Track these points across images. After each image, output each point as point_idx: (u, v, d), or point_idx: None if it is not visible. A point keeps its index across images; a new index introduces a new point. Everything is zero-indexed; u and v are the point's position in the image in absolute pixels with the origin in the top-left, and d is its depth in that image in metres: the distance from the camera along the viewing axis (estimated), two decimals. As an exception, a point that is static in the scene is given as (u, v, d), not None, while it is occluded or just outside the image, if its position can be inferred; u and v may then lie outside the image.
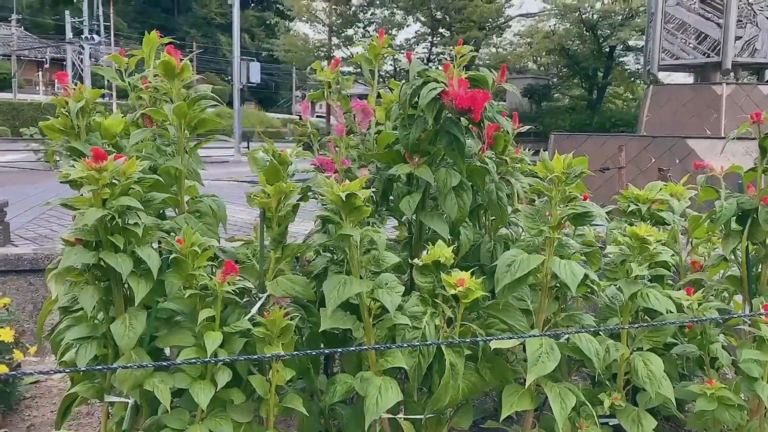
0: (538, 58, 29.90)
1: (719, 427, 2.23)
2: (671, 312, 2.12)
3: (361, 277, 1.86)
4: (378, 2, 23.49)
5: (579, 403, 2.11)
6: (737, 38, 12.04)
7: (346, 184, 1.68)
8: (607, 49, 24.36)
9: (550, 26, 25.56)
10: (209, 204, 1.94)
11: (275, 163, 1.85)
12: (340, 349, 1.71)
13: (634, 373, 2.10)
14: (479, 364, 2.02)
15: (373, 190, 2.32)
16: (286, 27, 26.81)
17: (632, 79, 25.42)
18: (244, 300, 1.98)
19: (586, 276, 1.93)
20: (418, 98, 2.12)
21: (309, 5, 23.57)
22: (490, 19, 24.25)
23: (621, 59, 26.27)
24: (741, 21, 12.04)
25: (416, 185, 2.28)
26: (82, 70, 40.31)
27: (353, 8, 22.88)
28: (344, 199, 1.64)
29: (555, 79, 28.42)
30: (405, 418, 1.98)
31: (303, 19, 24.57)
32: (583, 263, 2.26)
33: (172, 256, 1.71)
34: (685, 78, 14.51)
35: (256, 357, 1.61)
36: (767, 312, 2.07)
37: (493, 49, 29.68)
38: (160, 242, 1.85)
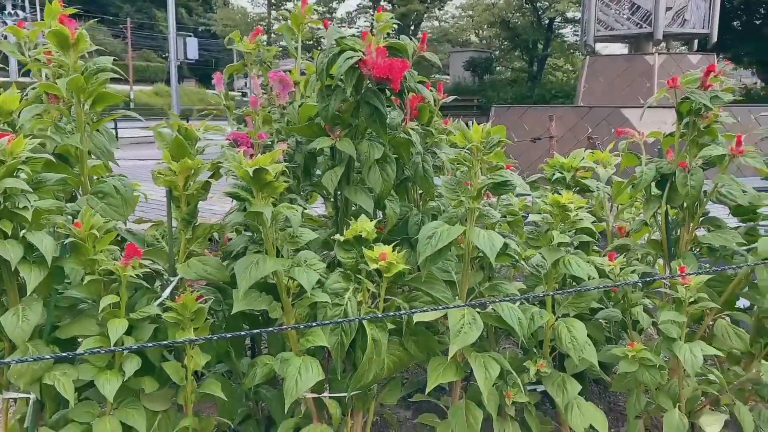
0: (480, 32, 30.03)
1: (641, 387, 2.29)
2: (593, 278, 2.14)
3: (281, 256, 1.80)
4: (317, -26, 23.03)
5: (506, 372, 2.12)
6: (668, 9, 12.34)
7: (256, 159, 1.60)
8: (546, 21, 24.63)
9: (491, -1, 25.66)
10: (113, 184, 1.83)
11: (180, 139, 1.75)
12: (256, 331, 1.65)
13: (558, 339, 2.11)
14: (404, 338, 1.99)
15: (295, 164, 2.26)
16: (223, 1, 25.98)
17: (571, 51, 25.82)
18: (159, 285, 1.89)
19: (506, 245, 1.91)
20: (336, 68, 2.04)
21: (246, -22, 22.90)
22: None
23: (560, 31, 26.64)
24: (671, -8, 12.33)
25: (340, 159, 2.22)
26: (7, 49, 38.22)
27: (291, -19, 22.34)
28: (252, 174, 1.56)
29: (497, 52, 28.63)
30: (330, 397, 1.94)
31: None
32: (507, 233, 2.26)
33: (68, 240, 1.60)
34: (622, 49, 14.81)
35: (164, 343, 1.53)
36: (683, 273, 2.11)
37: (436, 23, 29.64)
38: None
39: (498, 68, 28.44)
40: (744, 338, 2.27)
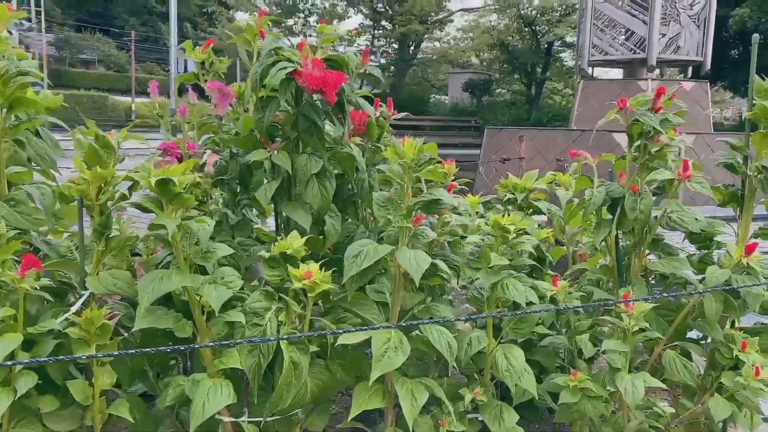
0: (480, 53, 30.18)
1: (586, 419, 2.20)
2: (533, 303, 2.06)
3: (196, 271, 1.72)
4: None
5: (442, 399, 2.04)
6: (662, 35, 12.37)
7: (162, 169, 1.54)
8: (546, 45, 24.75)
9: (490, 21, 25.80)
10: (28, 192, 1.76)
11: (94, 146, 1.68)
12: (161, 348, 1.57)
13: (494, 366, 2.03)
14: (330, 362, 1.90)
15: (230, 177, 2.19)
16: (227, 17, 26.09)
17: (569, 74, 25.90)
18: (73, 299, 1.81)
19: (435, 266, 1.84)
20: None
21: (248, -6, 23.09)
22: (432, 13, 24.24)
23: (559, 55, 26.76)
24: (665, 19, 12.37)
25: (278, 173, 2.15)
26: (11, 58, 38.38)
27: (292, -2, 22.53)
28: (155, 185, 1.49)
29: (497, 75, 28.73)
30: (249, 421, 1.85)
31: (242, 9, 24.05)
32: (447, 253, 2.19)
33: (-38, 250, 1.53)
34: (620, 74, 14.85)
35: (59, 359, 1.44)
36: (626, 300, 2.03)
37: (437, 44, 29.78)
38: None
39: (497, 90, 28.55)
40: (692, 370, 2.18)
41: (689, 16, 12.42)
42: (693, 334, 2.41)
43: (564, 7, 22.41)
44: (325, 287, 1.78)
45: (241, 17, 24.46)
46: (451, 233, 2.14)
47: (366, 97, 2.22)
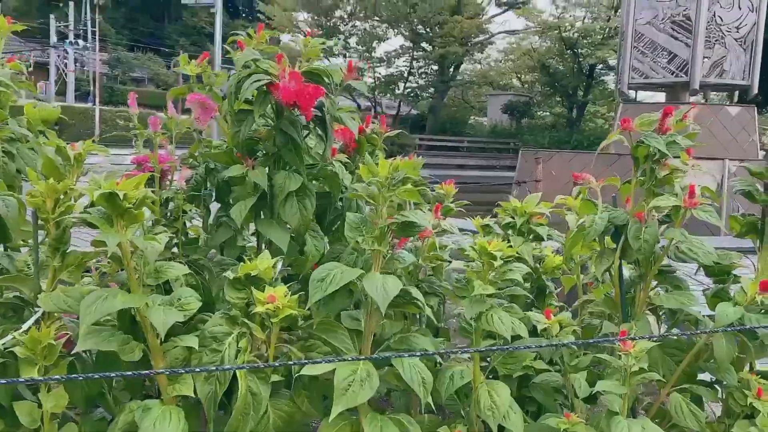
0: (521, 75, 29.97)
1: (580, 465, 2.01)
2: (521, 336, 1.90)
3: (151, 291, 1.64)
4: (360, 14, 23.41)
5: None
6: (705, 58, 11.99)
7: (119, 182, 1.46)
8: (587, 68, 24.40)
9: (532, 44, 25.62)
10: (-9, 203, 1.71)
11: (51, 159, 1.62)
12: (113, 374, 1.48)
13: (476, 404, 1.88)
14: (295, 392, 1.78)
15: (206, 192, 2.11)
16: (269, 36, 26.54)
17: (612, 98, 25.46)
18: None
19: (407, 293, 1.71)
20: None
21: (290, 16, 23.45)
22: (472, 35, 24.19)
23: (602, 78, 26.35)
24: (709, 41, 12.00)
25: (257, 189, 2.06)
26: (66, 75, 39.96)
27: (333, 20, 22.76)
28: (100, 199, 1.41)
29: (538, 97, 28.47)
30: (211, 452, 1.74)
31: (284, 30, 24.43)
32: (431, 280, 2.06)
33: None
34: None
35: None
36: (623, 338, 1.85)
37: (478, 66, 29.70)
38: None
39: (538, 112, 28.26)
40: (699, 417, 1.98)
41: (735, 39, 12.02)
42: (707, 376, 2.21)
43: (607, 29, 22.08)
44: (287, 312, 1.67)
45: (282, 39, 24.87)
46: (436, 258, 2.01)
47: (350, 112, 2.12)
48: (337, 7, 22.71)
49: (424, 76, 25.63)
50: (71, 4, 43.73)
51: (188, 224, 2.05)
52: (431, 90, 26.43)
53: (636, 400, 2.31)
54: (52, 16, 43.24)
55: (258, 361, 1.68)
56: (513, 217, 2.39)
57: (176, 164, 1.97)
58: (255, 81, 1.83)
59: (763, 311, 1.93)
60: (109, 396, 1.81)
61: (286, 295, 1.72)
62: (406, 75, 24.89)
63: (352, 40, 23.63)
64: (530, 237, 2.38)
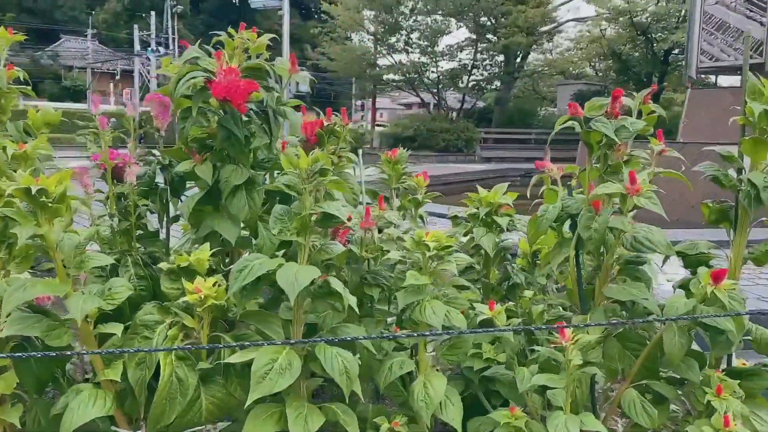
0: (594, 64, 28.96)
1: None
2: (454, 327, 1.88)
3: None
4: (423, 9, 23.33)
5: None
6: (781, 37, 11.20)
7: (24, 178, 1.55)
8: (662, 53, 23.27)
9: (602, 30, 24.69)
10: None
11: (-6, 157, 1.74)
12: (33, 353, 1.58)
13: (410, 396, 1.87)
14: (227, 380, 1.83)
15: (159, 187, 2.20)
16: (337, 37, 26.80)
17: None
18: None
19: (328, 284, 1.72)
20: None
21: (354, 15, 23.68)
22: (538, 25, 23.59)
23: (679, 63, 25.05)
24: (786, 19, 11.19)
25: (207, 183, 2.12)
26: (149, 81, 42.04)
27: (395, 16, 22.79)
28: (17, 193, 1.51)
29: (611, 85, 27.40)
30: (146, 435, 1.82)
31: (346, 29, 24.71)
32: (376, 271, 2.05)
33: None
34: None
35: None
36: (560, 326, 1.79)
37: (549, 55, 28.93)
38: None
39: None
40: (653, 415, 1.89)
41: (815, 15, 11.15)
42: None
43: (682, 12, 20.99)
44: (210, 302, 1.73)
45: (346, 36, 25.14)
46: (376, 249, 2.01)
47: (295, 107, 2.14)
48: (399, 3, 22.71)
49: (488, 68, 25.25)
50: (153, 14, 45.90)
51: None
52: (497, 82, 25.98)
53: (603, 395, 2.23)
54: (135, 26, 45.62)
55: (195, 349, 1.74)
56: (477, 208, 2.36)
57: (131, 161, 2.06)
58: (190, 78, 1.89)
59: (719, 305, 1.81)
60: (63, 380, 1.92)
61: (214, 286, 1.78)
62: (469, 68, 24.60)
63: (414, 35, 23.58)
64: (496, 228, 2.34)
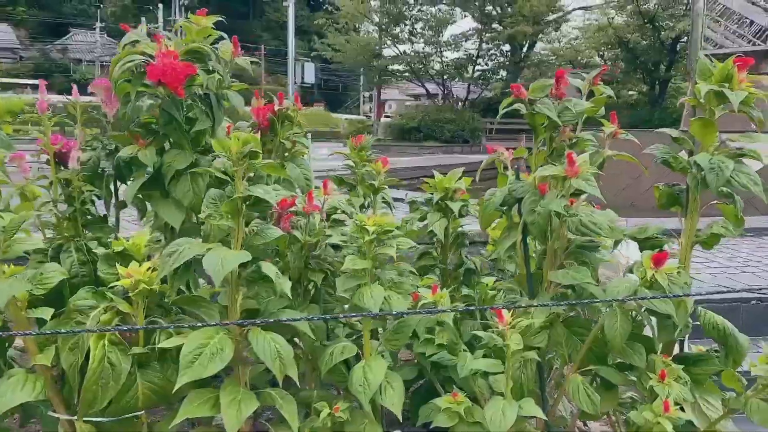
0: (602, 53, 28.66)
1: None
2: (393, 310, 1.86)
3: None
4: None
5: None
6: (785, 23, 11.01)
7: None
8: (670, 42, 22.98)
9: (609, 19, 24.41)
10: None
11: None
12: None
13: (349, 380, 1.85)
14: (163, 366, 1.82)
15: (105, 172, 2.19)
16: (341, 27, 26.65)
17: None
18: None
19: (259, 268, 1.71)
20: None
21: (360, 6, 23.56)
22: (544, 13, 23.36)
23: (687, 52, 24.73)
24: (790, 4, 11.00)
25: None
26: (157, 74, 42.00)
27: (399, 6, 22.64)
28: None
29: (619, 74, 27.14)
30: (85, 420, 1.82)
31: (351, 20, 24.58)
32: (320, 255, 2.03)
33: None
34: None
35: None
36: (495, 307, 1.76)
37: (557, 44, 28.64)
38: None
39: (622, 90, 26.92)
40: (595, 401, 1.86)
41: (820, 1, 10.96)
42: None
43: (688, 0, 20.68)
44: (144, 286, 1.71)
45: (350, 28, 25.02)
46: (320, 233, 1.99)
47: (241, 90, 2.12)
48: (403, -8, 22.59)
49: (494, 57, 25.04)
50: (161, 6, 46.01)
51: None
52: (503, 72, 25.79)
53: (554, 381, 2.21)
54: (143, 19, 45.62)
55: (120, 334, 1.74)
56: (432, 194, 2.33)
57: (75, 146, 2.05)
58: (126, 62, 1.88)
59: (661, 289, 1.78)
60: (5, 366, 1.92)
61: (148, 271, 1.77)
62: (475, 58, 24.42)
63: (419, 26, 23.44)
64: (450, 214, 2.31)
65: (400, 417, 1.84)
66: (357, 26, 26.59)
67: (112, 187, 2.18)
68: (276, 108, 2.28)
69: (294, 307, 2.00)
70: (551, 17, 24.81)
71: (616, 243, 2.05)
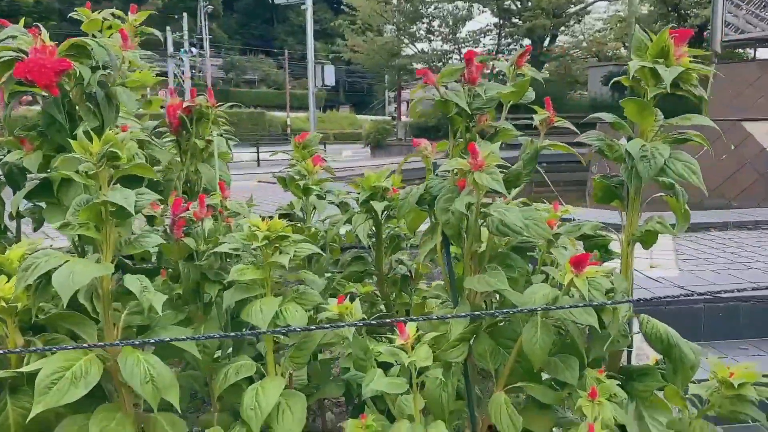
0: (628, 44, 27.98)
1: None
2: (287, 326, 1.66)
3: None
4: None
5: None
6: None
7: None
8: (696, 30, 22.25)
9: (631, 9, 23.80)
10: None
11: None
12: None
13: (241, 404, 1.66)
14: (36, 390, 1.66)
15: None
16: (358, 28, 26.50)
17: (730, 59, 23.09)
18: None
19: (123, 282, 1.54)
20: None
21: (377, 6, 23.40)
22: (563, 6, 22.87)
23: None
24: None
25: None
26: (183, 81, 42.65)
27: (416, 4, 22.39)
28: None
29: (645, 65, 26.43)
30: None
31: (368, 21, 24.44)
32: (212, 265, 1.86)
33: None
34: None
35: None
36: (399, 320, 1.55)
37: (580, 37, 28.07)
38: None
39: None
40: (516, 423, 1.64)
41: None
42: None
43: (714, -16, 20.02)
44: (2, 305, 1.56)
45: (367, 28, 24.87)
46: (214, 241, 1.81)
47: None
48: (419, -9, 22.36)
49: (513, 52, 24.61)
50: (185, 15, 46.60)
51: None
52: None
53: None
54: (168, 28, 46.43)
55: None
56: (359, 193, 2.14)
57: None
58: (-4, 60, 1.73)
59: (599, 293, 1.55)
60: None
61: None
62: (494, 54, 24.04)
63: (436, 23, 23.16)
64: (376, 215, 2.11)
65: (299, 441, 1.65)
66: (374, 26, 26.42)
67: (3, 195, 2.04)
68: (186, 105, 2.11)
69: (190, 323, 1.83)
70: (572, 9, 24.28)
71: (549, 244, 1.82)
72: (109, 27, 2.18)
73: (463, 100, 1.65)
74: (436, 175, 1.84)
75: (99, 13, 1.95)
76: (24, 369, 1.56)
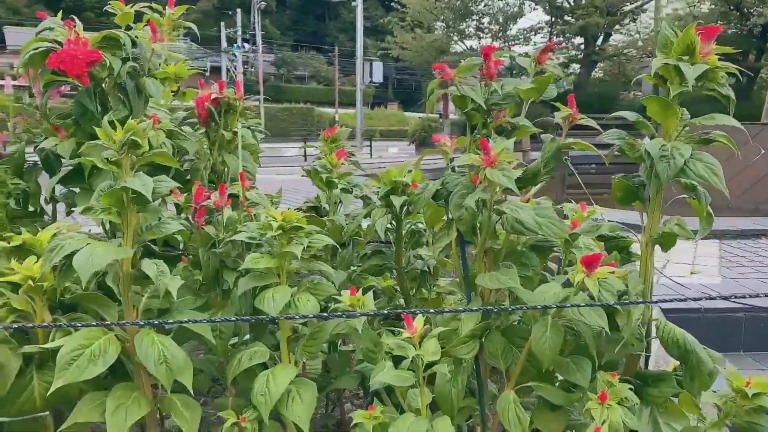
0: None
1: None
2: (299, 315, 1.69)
3: None
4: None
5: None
6: None
7: None
8: (759, 29, 21.40)
9: (691, 7, 23.03)
10: None
11: None
12: None
13: (252, 390, 1.70)
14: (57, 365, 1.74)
15: (37, 166, 2.14)
16: (406, 25, 26.48)
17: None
18: None
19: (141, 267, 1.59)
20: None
21: (425, 3, 23.33)
22: (619, 4, 22.31)
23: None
24: None
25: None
26: (235, 76, 43.46)
27: (464, 1, 22.23)
28: None
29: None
30: (-13, 420, 1.76)
31: (417, 17, 24.38)
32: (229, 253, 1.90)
33: None
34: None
35: None
36: (406, 315, 1.56)
37: (637, 36, 27.36)
38: None
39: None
40: (523, 422, 1.62)
41: None
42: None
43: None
44: (30, 283, 1.64)
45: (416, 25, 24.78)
46: (233, 230, 1.85)
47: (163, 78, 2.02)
48: (470, -12, 22.19)
49: (564, 51, 24.16)
50: (239, 11, 47.46)
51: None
52: (575, 66, 24.87)
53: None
54: (222, 23, 47.38)
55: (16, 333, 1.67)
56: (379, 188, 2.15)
57: (5, 138, 2.01)
58: (32, 50, 1.81)
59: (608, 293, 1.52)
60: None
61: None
62: (545, 52, 23.64)
63: (486, 20, 22.95)
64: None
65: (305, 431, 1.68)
66: (424, 23, 26.33)
67: (40, 180, 2.13)
68: (214, 97, 2.17)
69: (209, 308, 1.88)
70: (628, 7, 23.67)
71: (568, 244, 1.79)
72: (147, 21, 2.26)
73: (480, 95, 1.64)
74: (453, 170, 1.84)
75: (131, 6, 2.01)
76: (48, 345, 1.63)
